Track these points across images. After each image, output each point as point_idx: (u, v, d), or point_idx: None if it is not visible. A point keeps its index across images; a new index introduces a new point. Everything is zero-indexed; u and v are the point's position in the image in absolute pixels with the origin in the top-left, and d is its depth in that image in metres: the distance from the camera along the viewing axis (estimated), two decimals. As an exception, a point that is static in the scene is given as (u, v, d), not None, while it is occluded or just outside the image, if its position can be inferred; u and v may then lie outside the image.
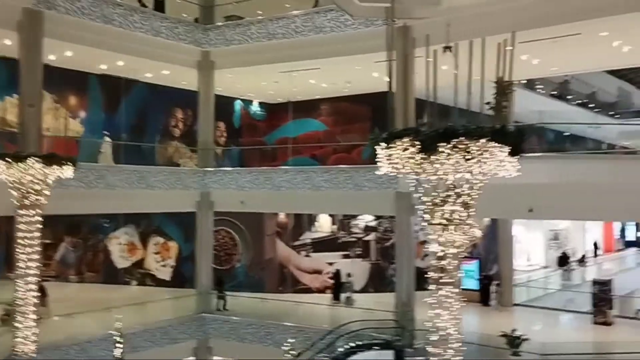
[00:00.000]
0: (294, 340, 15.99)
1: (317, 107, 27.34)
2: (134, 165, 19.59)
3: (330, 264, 25.25)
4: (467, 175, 6.56)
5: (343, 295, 22.28)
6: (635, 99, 45.90)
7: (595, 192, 14.59)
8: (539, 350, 13.73)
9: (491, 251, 26.53)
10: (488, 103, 17.16)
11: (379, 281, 25.00)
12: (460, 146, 6.34)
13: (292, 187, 19.72)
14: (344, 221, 25.66)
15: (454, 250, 7.08)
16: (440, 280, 7.49)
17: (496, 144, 6.44)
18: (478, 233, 13.42)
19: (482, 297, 22.06)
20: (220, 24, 21.25)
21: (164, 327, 19.11)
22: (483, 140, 6.38)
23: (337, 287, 22.72)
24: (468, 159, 6.33)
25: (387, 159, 6.71)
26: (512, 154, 6.60)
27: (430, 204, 6.91)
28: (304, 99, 26.80)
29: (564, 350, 13.89)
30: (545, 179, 14.81)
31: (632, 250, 37.57)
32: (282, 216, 25.78)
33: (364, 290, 24.83)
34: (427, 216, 6.93)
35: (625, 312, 22.70)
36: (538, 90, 31.47)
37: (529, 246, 33.15)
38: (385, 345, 15.75)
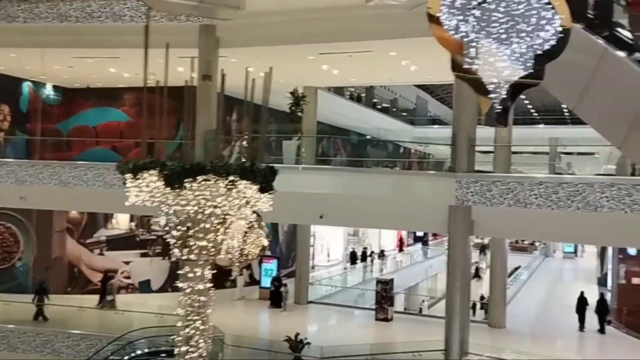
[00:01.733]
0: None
1: (120, 96, 25.75)
2: None
3: (127, 262, 24.04)
4: (218, 211, 6.41)
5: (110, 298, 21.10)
6: (431, 107, 50.75)
7: (377, 201, 15.68)
8: (320, 354, 14.38)
9: (292, 249, 27.40)
10: (291, 111, 17.60)
11: (178, 280, 24.35)
12: (207, 182, 6.17)
13: (82, 184, 18.28)
14: (143, 218, 24.53)
15: (202, 287, 6.79)
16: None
17: (245, 182, 6.38)
18: (265, 242, 13.66)
19: (273, 299, 22.37)
20: (3, -4, 18.86)
21: None
22: (231, 177, 6.27)
23: (103, 291, 21.44)
24: (215, 195, 6.19)
25: (136, 189, 6.32)
26: (262, 190, 6.61)
27: (178, 238, 6.65)
28: (106, 87, 25.15)
29: (341, 352, 14.75)
30: (333, 189, 15.53)
31: (419, 245, 41.47)
32: (74, 211, 23.86)
33: (161, 289, 24.07)
34: (176, 251, 6.64)
35: (407, 306, 24.99)
36: (347, 94, 33.13)
37: (330, 242, 34.83)
38: (171, 353, 15.30)
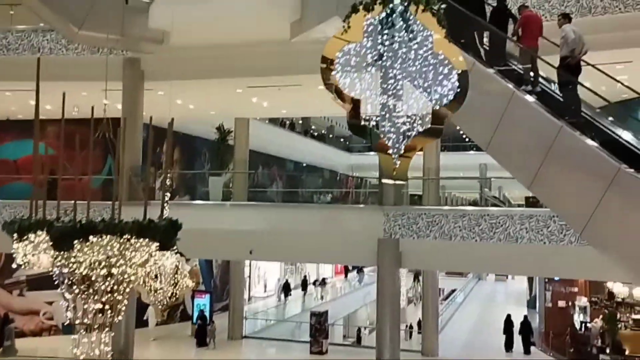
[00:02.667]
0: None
1: (43, 128, 24.70)
2: None
3: (50, 303, 22.83)
4: (115, 271, 6.06)
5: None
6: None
7: (307, 236, 15.60)
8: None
9: (227, 281, 26.81)
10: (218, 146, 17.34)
11: (105, 319, 23.30)
12: (101, 243, 5.83)
13: (-2, 222, 17.30)
14: (67, 255, 23.43)
15: (98, 352, 6.33)
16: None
17: (142, 240, 6.09)
18: (190, 283, 13.27)
19: (198, 337, 21.38)
20: None
21: None
22: (127, 236, 5.97)
23: (1, 336, 20.01)
24: (110, 256, 5.87)
25: (22, 250, 5.92)
26: (162, 248, 6.35)
27: (72, 301, 6.22)
28: (27, 119, 24.14)
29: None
30: (262, 226, 15.35)
31: (354, 273, 41.52)
32: (-9, 250, 22.54)
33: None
34: (69, 314, 6.23)
35: (346, 333, 24.77)
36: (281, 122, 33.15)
37: (267, 273, 34.38)
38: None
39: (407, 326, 24.97)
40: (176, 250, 6.41)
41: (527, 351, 21.62)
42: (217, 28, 14.64)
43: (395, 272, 15.36)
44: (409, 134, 4.85)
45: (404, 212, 14.85)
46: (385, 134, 4.82)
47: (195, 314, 23.61)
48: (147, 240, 5.97)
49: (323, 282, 36.38)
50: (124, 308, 6.19)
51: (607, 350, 20.35)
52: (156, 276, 12.59)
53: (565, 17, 9.47)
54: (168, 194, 13.13)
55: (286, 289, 32.35)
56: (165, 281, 12.58)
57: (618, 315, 21.29)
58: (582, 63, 9.20)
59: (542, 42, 9.76)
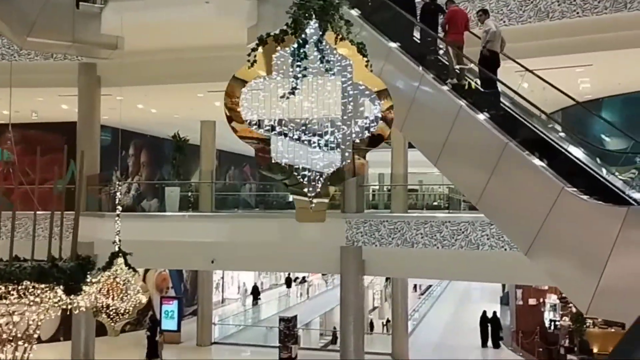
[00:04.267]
0: None
1: (1, 133, 24.08)
2: None
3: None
4: (17, 318, 5.71)
5: None
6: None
7: (270, 245, 15.33)
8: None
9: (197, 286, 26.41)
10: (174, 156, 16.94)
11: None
12: None
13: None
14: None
15: None
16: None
17: (45, 285, 5.69)
18: (144, 299, 12.90)
19: (149, 349, 20.31)
20: None
21: None
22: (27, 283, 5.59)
23: None
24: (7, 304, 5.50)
25: None
26: (68, 292, 5.97)
27: None
28: (-17, 123, 23.46)
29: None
30: (222, 237, 15.05)
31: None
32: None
33: (52, 339, 22.45)
34: None
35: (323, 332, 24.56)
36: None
37: (239, 274, 33.97)
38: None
39: (385, 321, 25.11)
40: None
41: (496, 345, 23.40)
42: (171, 34, 14.26)
43: (359, 280, 15.17)
44: (327, 171, 4.58)
45: (365, 220, 14.64)
46: (300, 172, 4.54)
47: (165, 321, 23.25)
48: (48, 286, 5.59)
49: (303, 280, 36.74)
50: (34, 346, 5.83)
51: (575, 350, 20.43)
52: (108, 292, 12.29)
53: (485, 13, 9.99)
54: (119, 208, 12.82)
55: (255, 292, 31.94)
56: (117, 297, 12.24)
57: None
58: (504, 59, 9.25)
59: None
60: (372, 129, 4.67)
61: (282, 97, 4.43)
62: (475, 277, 16.46)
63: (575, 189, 6.85)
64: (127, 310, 12.48)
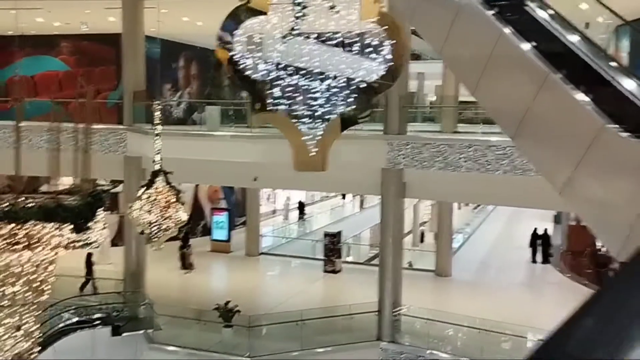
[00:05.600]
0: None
1: (57, 43, 24.45)
2: None
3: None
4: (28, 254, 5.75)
5: None
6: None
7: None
8: (247, 322, 14.38)
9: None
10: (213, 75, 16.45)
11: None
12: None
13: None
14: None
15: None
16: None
17: (51, 225, 5.66)
18: (184, 216, 13.28)
19: (182, 261, 21.11)
20: None
21: None
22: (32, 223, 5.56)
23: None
24: (15, 245, 5.56)
25: None
26: (77, 230, 5.96)
27: None
28: (39, 34, 23.80)
29: (271, 319, 14.85)
30: (262, 158, 15.11)
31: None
32: None
33: (112, 244, 23.79)
34: None
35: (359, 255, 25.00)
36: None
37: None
38: (105, 321, 15.21)
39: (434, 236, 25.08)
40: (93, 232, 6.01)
41: (545, 261, 23.50)
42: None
43: (399, 202, 15.04)
44: (327, 117, 4.33)
45: (407, 142, 14.27)
46: (299, 118, 4.31)
47: (215, 231, 24.13)
48: (55, 225, 5.64)
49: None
50: (48, 288, 6.01)
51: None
52: (150, 210, 12.69)
53: None
54: (159, 127, 12.91)
55: (301, 208, 31.91)
56: (158, 214, 12.64)
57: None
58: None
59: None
60: (380, 73, 4.33)
61: (279, 39, 4.12)
62: (518, 202, 16.00)
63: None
64: (168, 227, 12.96)
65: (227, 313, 14.35)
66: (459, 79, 8.50)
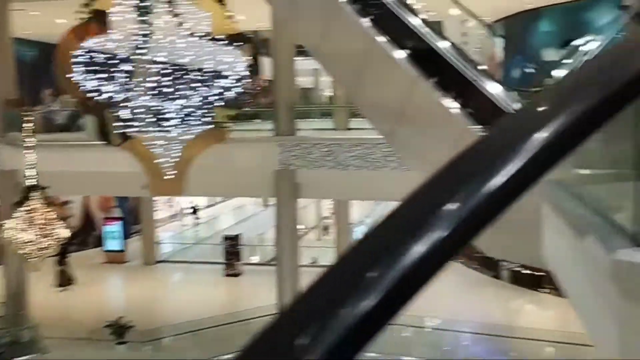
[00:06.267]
0: None
1: None
2: None
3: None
4: None
5: None
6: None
7: (202, 170, 14.90)
8: (144, 336, 13.87)
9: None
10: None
11: None
12: None
13: None
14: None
15: None
16: None
17: None
18: (65, 233, 12.49)
19: (61, 278, 19.05)
20: None
21: None
22: None
23: None
24: None
25: None
26: None
27: None
28: None
29: (165, 332, 14.40)
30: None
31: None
32: None
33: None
34: None
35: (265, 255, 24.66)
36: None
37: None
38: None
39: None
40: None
41: None
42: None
43: (293, 203, 15.07)
44: (183, 138, 4.14)
45: (298, 143, 14.30)
46: (154, 140, 4.09)
47: (108, 242, 23.07)
48: None
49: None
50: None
51: None
52: (24, 229, 11.85)
53: None
54: (32, 138, 12.06)
55: (194, 211, 30.69)
56: (34, 233, 11.83)
57: None
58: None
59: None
60: (235, 90, 4.20)
61: (125, 58, 3.88)
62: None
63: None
64: (48, 246, 12.16)
65: (119, 329, 13.73)
66: (336, 81, 8.58)
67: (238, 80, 4.14)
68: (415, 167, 8.16)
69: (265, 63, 16.78)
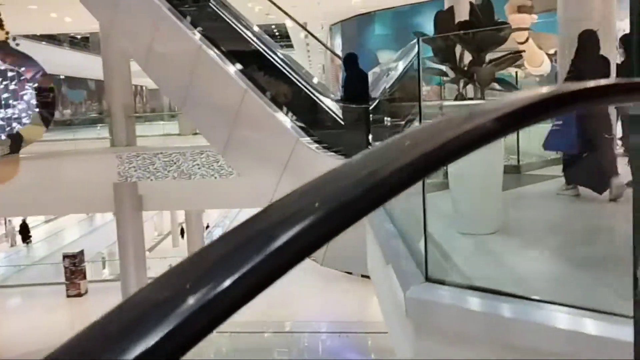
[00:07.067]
0: None
1: None
2: None
3: None
4: None
5: None
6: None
7: (30, 187, 13.66)
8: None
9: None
10: None
11: None
12: None
13: None
14: None
15: None
16: None
17: None
18: None
19: None
20: None
21: None
22: None
23: None
24: None
25: None
26: None
27: None
28: None
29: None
30: None
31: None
32: None
33: None
34: None
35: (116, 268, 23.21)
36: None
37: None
38: None
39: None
40: None
41: None
42: None
43: (138, 216, 14.36)
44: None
45: (138, 153, 13.62)
46: None
47: None
48: None
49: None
50: None
51: None
52: None
53: None
54: None
55: (24, 231, 27.26)
56: None
57: None
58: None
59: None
60: (25, 121, 3.78)
61: None
62: (256, 204, 16.52)
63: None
64: None
65: None
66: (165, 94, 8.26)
67: (26, 109, 3.73)
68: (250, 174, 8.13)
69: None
